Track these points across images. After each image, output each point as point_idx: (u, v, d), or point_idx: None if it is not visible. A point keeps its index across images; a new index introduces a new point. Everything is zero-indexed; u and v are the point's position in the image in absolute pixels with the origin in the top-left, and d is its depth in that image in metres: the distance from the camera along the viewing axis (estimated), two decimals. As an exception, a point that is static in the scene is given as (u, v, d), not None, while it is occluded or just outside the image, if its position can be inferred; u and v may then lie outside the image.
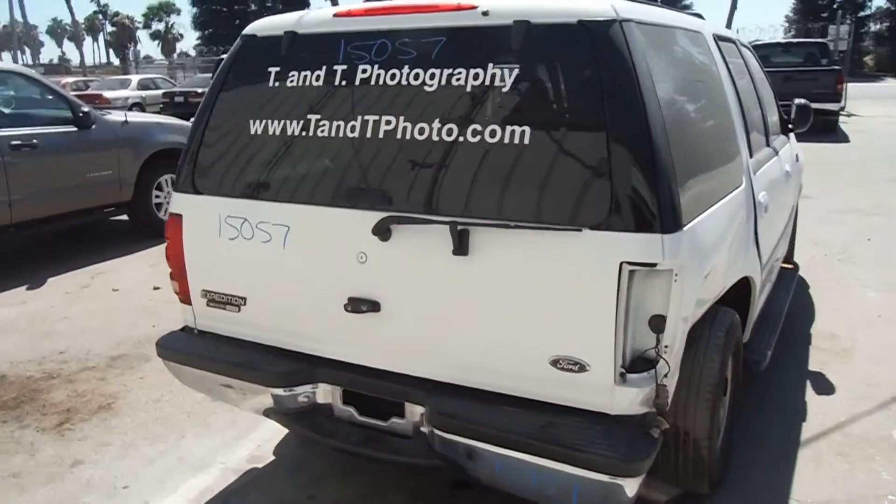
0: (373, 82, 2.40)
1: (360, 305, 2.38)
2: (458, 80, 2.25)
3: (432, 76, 2.30)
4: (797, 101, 4.47)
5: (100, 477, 3.23)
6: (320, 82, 2.51)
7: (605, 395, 2.10)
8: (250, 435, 3.54)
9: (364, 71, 2.42)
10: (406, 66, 2.34)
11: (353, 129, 2.41)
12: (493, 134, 2.17)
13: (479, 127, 2.20)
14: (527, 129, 2.12)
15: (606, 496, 2.06)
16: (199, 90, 20.81)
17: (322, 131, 2.47)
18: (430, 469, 2.42)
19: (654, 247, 1.97)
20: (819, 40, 18.81)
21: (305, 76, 2.53)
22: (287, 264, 2.56)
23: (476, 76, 2.23)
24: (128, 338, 4.82)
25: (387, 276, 2.35)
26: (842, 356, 4.31)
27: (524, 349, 2.19)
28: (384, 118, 2.35)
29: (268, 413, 2.69)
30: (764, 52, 15.11)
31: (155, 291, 5.76)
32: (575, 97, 2.13)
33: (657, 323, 2.05)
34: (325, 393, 2.57)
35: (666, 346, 2.07)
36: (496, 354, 2.24)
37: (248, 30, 2.76)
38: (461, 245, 2.16)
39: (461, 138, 2.22)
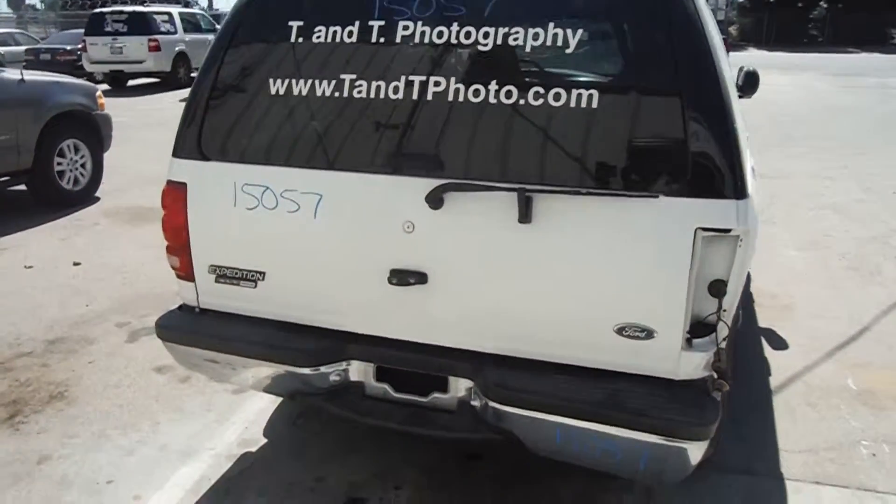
0: (417, 40, 2.26)
1: (407, 277, 2.27)
2: (515, 39, 2.16)
3: (486, 35, 2.18)
4: (745, 67, 4.67)
5: (75, 472, 2.95)
6: (353, 39, 2.33)
7: (671, 360, 2.11)
8: (232, 417, 3.34)
9: (406, 28, 2.27)
10: (455, 24, 2.22)
11: (395, 91, 2.26)
12: (557, 97, 2.10)
13: (541, 90, 2.11)
14: (594, 92, 2.07)
15: (674, 461, 2.08)
16: (69, 47, 19.15)
17: (359, 92, 2.30)
18: (478, 443, 2.37)
19: (729, 213, 1.99)
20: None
21: (335, 32, 2.34)
22: (318, 235, 2.39)
23: (536, 36, 2.14)
24: (60, 319, 4.41)
25: (436, 246, 2.25)
26: (784, 312, 4.60)
27: (587, 318, 2.16)
28: (433, 79, 2.22)
29: (294, 395, 2.53)
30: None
31: (76, 268, 5.29)
32: (645, 61, 2.09)
33: (718, 287, 2.07)
34: (358, 370, 2.44)
35: (724, 311, 2.10)
36: (556, 324, 2.20)
37: None
38: (526, 212, 2.09)
39: (522, 101, 2.13)
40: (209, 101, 2.48)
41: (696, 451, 2.06)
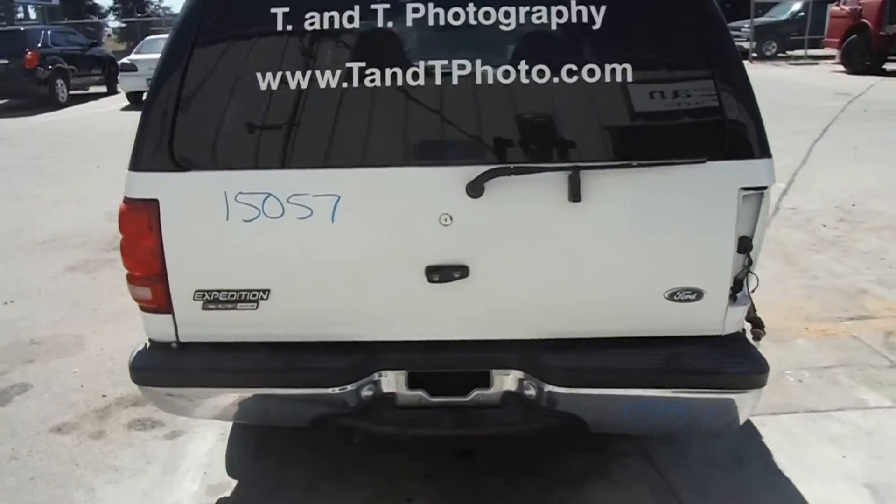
0: (431, 23, 2.11)
1: (449, 273, 2.13)
2: (538, 17, 2.10)
3: (507, 14, 2.10)
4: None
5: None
6: (355, 24, 2.12)
7: (719, 317, 2.21)
8: (182, 465, 2.92)
9: (416, 10, 2.11)
10: (471, 4, 2.11)
11: (415, 77, 2.10)
12: (591, 73, 2.08)
13: (574, 67, 2.08)
14: (627, 66, 2.08)
15: (734, 412, 2.19)
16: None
17: (372, 81, 2.10)
18: (533, 434, 2.31)
19: (764, 171, 2.11)
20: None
21: (332, 18, 2.11)
22: (336, 241, 2.15)
23: (560, 13, 2.10)
24: None
25: (477, 236, 2.13)
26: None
27: (639, 288, 2.18)
28: (455, 62, 2.10)
29: (318, 421, 2.27)
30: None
31: None
32: (670, 33, 2.14)
33: (746, 243, 2.20)
34: (389, 380, 2.26)
35: (751, 262, 2.24)
36: (606, 299, 2.20)
37: None
38: (575, 191, 2.06)
39: (555, 79, 2.08)
40: (178, 102, 2.13)
41: (753, 399, 2.18)
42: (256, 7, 2.15)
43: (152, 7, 40.17)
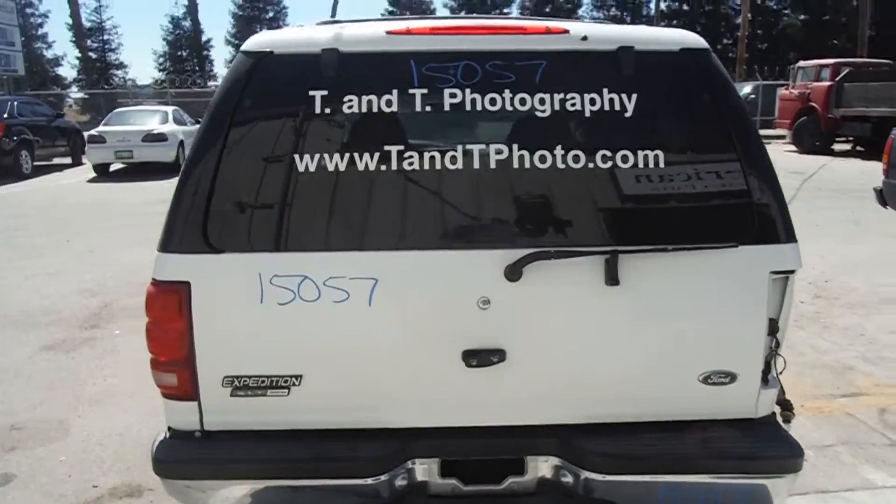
0: (468, 108, 2.14)
1: (488, 357, 2.10)
2: (573, 104, 2.16)
3: (542, 101, 2.15)
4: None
5: None
6: (393, 108, 2.15)
7: (752, 400, 2.21)
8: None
9: (453, 95, 2.15)
10: (507, 91, 2.16)
11: (454, 161, 2.12)
12: (625, 159, 2.13)
13: (608, 153, 2.13)
14: (659, 153, 2.13)
15: (773, 495, 2.17)
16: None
17: (410, 164, 2.11)
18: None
19: (792, 255, 2.16)
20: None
21: (370, 101, 2.14)
22: (373, 325, 2.12)
23: (593, 101, 2.16)
24: None
25: (514, 319, 2.12)
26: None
27: (674, 371, 2.18)
28: (493, 147, 2.13)
29: None
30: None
31: None
32: (697, 120, 2.21)
33: (775, 326, 2.23)
34: (423, 469, 2.19)
35: (778, 345, 2.26)
36: (642, 382, 2.19)
37: (255, 46, 2.21)
38: (612, 275, 2.08)
39: (590, 164, 2.13)
40: (214, 182, 2.11)
41: (788, 484, 2.17)
42: (295, 89, 2.16)
43: (117, 79, 40.20)
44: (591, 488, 2.15)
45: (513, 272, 2.07)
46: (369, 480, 2.12)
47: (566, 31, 2.21)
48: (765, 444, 2.16)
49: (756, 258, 2.13)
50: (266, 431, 2.19)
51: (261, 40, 2.24)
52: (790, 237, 2.17)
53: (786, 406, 2.29)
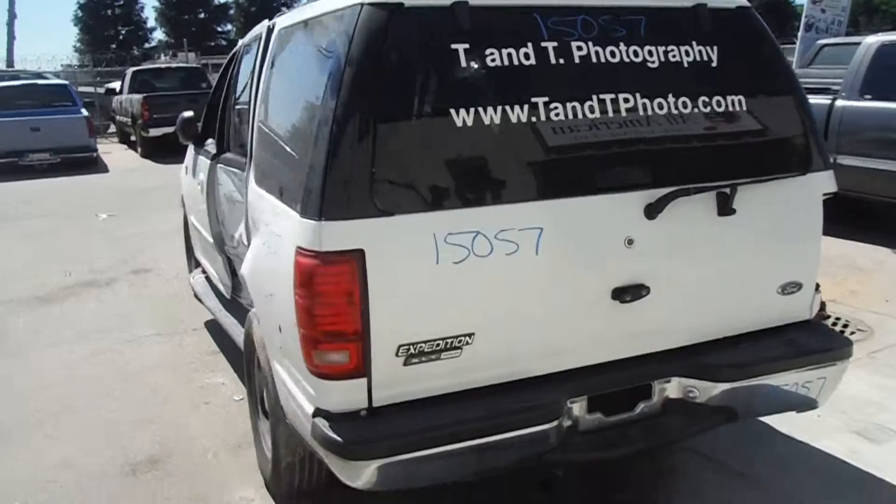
0: (594, 60, 2.24)
1: (638, 291, 2.25)
2: (674, 56, 2.35)
3: (650, 53, 2.32)
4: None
5: None
6: (531, 61, 2.17)
7: (808, 304, 2.62)
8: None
9: (580, 48, 2.23)
10: (622, 44, 2.29)
11: (591, 111, 2.20)
12: (718, 104, 2.39)
13: (706, 98, 2.37)
14: (742, 97, 2.43)
15: (837, 380, 2.60)
16: None
17: (556, 115, 2.16)
18: (697, 434, 2.47)
19: (832, 180, 2.60)
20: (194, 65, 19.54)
21: (510, 54, 2.14)
22: (539, 273, 2.14)
23: (687, 53, 2.38)
24: None
25: (654, 255, 2.28)
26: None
27: (763, 285, 2.50)
28: (621, 96, 2.26)
29: (524, 461, 2.17)
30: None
31: None
32: (763, 70, 2.52)
33: None
34: (576, 408, 2.28)
35: None
36: (739, 300, 2.49)
37: None
38: (728, 206, 2.34)
39: (695, 109, 2.35)
40: (375, 144, 1.98)
41: (842, 371, 2.62)
42: (436, 42, 2.10)
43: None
44: (717, 398, 2.41)
45: (651, 211, 2.24)
46: (545, 427, 2.17)
47: None
48: (828, 339, 2.59)
49: (814, 183, 2.54)
50: (437, 397, 2.12)
51: None
52: (829, 165, 2.61)
53: (822, 307, 2.76)
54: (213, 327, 4.96)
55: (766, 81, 2.55)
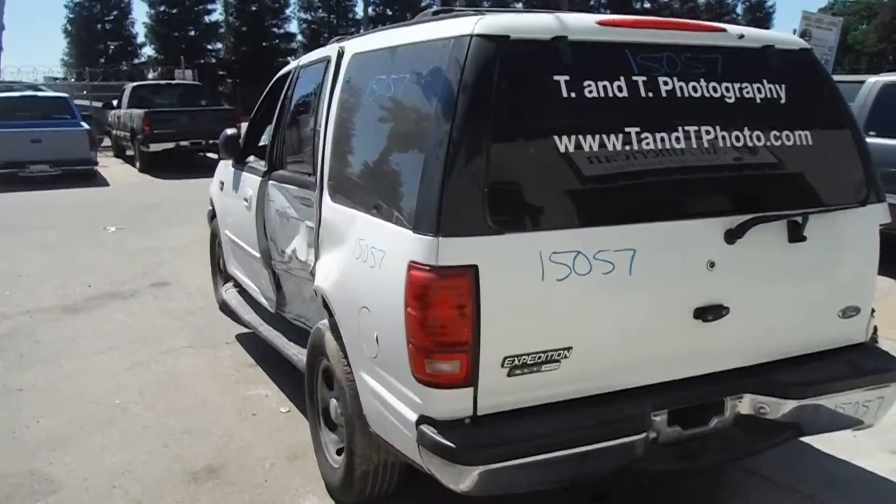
0: (678, 94, 2.41)
1: (718, 311, 2.40)
2: (748, 92, 2.53)
3: (727, 89, 2.49)
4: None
5: None
6: (625, 93, 2.33)
7: (864, 327, 2.79)
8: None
9: (666, 83, 2.39)
10: (702, 79, 2.46)
11: (678, 141, 2.37)
12: (788, 138, 2.57)
13: (777, 132, 2.55)
14: (807, 132, 2.60)
15: (889, 400, 2.76)
16: None
17: (647, 144, 2.31)
18: (765, 449, 2.61)
19: (887, 211, 2.79)
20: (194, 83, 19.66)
21: (605, 87, 2.30)
22: (631, 292, 2.29)
23: (759, 89, 2.56)
24: None
25: (733, 277, 2.44)
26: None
27: (825, 309, 2.67)
28: (703, 128, 2.42)
29: (615, 472, 2.30)
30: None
31: None
32: (823, 106, 2.71)
33: None
34: (659, 420, 2.41)
35: None
36: (804, 322, 2.64)
37: (490, 30, 2.22)
38: (799, 233, 2.51)
39: (768, 142, 2.53)
40: (488, 165, 2.12)
41: None
42: (540, 73, 2.26)
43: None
44: (786, 414, 2.55)
45: (732, 236, 2.40)
46: (635, 438, 2.30)
47: (723, 30, 2.60)
48: (885, 361, 2.75)
49: (871, 214, 2.72)
50: (533, 408, 2.24)
51: (491, 24, 2.27)
52: (883, 198, 2.79)
53: (874, 331, 2.92)
54: (246, 340, 5.06)
55: (827, 117, 2.73)
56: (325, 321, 2.99)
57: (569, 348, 2.25)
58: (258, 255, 4.14)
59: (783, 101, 2.62)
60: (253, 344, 4.95)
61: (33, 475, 3.31)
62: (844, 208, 2.63)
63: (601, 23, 2.41)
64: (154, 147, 14.05)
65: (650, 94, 2.39)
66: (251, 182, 4.22)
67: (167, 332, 5.24)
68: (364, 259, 2.51)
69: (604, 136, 2.28)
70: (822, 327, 2.72)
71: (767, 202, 2.51)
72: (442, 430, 2.15)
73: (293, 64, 4.26)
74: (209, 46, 40.25)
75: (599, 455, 2.25)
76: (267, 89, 4.68)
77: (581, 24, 2.40)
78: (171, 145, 14.06)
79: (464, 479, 2.14)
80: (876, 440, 3.46)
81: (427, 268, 2.10)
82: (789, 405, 2.54)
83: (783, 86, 2.62)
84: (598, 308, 2.29)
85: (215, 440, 3.63)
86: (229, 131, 4.72)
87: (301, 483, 3.23)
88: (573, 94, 2.27)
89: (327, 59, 3.36)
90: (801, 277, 2.62)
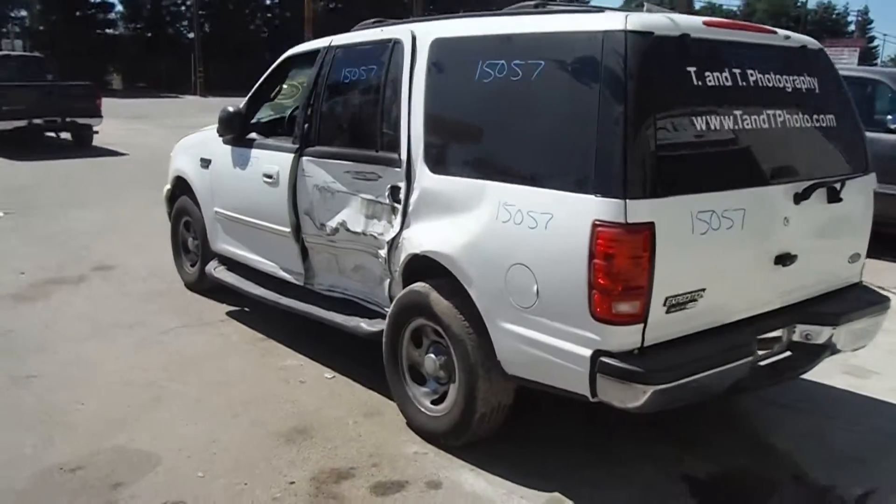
0: (761, 84, 2.98)
1: (792, 258, 3.03)
2: (798, 83, 3.16)
3: (788, 81, 3.12)
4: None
5: None
6: (730, 83, 2.85)
7: (859, 270, 3.55)
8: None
9: (751, 75, 2.96)
10: (772, 73, 3.06)
11: (765, 122, 2.94)
12: (822, 119, 3.24)
13: (816, 115, 3.21)
14: (832, 115, 3.30)
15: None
16: None
17: (748, 124, 2.86)
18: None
19: (875, 179, 3.56)
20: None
21: (717, 76, 2.81)
22: (742, 243, 2.84)
23: (804, 81, 3.21)
24: None
25: (798, 231, 3.07)
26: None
27: (843, 255, 3.40)
28: (776, 112, 3.02)
29: (732, 388, 2.85)
30: None
31: None
32: (838, 95, 3.40)
33: None
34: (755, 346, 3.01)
35: None
36: (831, 266, 3.36)
37: (638, 26, 2.62)
38: (838, 195, 3.19)
39: (812, 123, 3.19)
40: (657, 142, 2.58)
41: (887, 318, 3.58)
42: (676, 64, 2.75)
43: None
44: (829, 338, 3.23)
45: (799, 198, 3.04)
46: (747, 360, 2.88)
47: (775, 32, 3.23)
48: (879, 296, 3.54)
49: (871, 180, 3.49)
50: (679, 338, 2.75)
51: (639, 21, 2.71)
52: (872, 169, 3.56)
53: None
54: (241, 317, 5.10)
55: (841, 104, 3.45)
56: (422, 284, 3.29)
57: (703, 289, 2.77)
58: (285, 229, 4.25)
59: (817, 90, 3.29)
60: (251, 320, 5.01)
61: (122, 452, 3.30)
62: (860, 176, 3.37)
63: (706, 23, 2.93)
64: (2, 125, 12.79)
65: (743, 83, 2.95)
66: (275, 158, 4.30)
67: (147, 315, 5.09)
68: (517, 221, 2.85)
69: (722, 118, 2.82)
70: (839, 270, 3.45)
71: (819, 170, 3.18)
72: (622, 359, 2.60)
73: (315, 44, 4.38)
74: (11, 14, 36.45)
75: (728, 374, 2.81)
76: (271, 69, 4.75)
77: (692, 23, 2.91)
78: (22, 123, 12.87)
79: (640, 398, 2.60)
80: (834, 364, 4.31)
81: (616, 224, 2.52)
82: (828, 332, 3.23)
83: (815, 78, 3.30)
84: (722, 255, 2.84)
85: (283, 406, 3.75)
86: (231, 108, 4.73)
87: (393, 434, 3.48)
88: (699, 83, 2.78)
89: (392, 42, 3.60)
90: (833, 230, 3.33)
